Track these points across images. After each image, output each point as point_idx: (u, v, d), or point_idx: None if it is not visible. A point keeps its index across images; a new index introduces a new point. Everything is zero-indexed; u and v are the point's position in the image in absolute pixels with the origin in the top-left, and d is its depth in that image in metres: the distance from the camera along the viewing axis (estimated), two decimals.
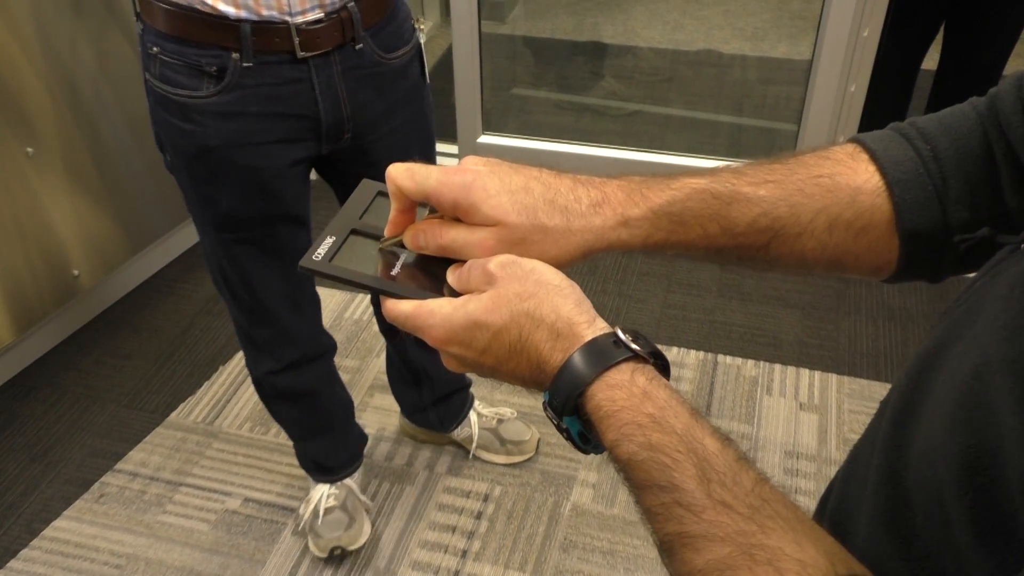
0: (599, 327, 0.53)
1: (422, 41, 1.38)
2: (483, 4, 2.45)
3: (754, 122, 2.88)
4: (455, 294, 0.57)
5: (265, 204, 1.31)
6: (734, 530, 0.44)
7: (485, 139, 2.57)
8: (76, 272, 2.19)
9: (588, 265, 2.48)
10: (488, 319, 0.54)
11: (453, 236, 0.58)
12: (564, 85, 3.13)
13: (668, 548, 0.47)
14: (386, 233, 0.63)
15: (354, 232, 0.65)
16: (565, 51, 3.26)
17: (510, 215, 0.57)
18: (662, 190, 0.59)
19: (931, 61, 2.51)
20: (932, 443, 0.40)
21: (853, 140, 0.60)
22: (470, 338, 0.55)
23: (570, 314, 0.53)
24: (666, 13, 3.34)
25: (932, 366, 0.44)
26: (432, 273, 0.61)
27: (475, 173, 0.57)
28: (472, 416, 1.89)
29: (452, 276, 0.58)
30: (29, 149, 2.00)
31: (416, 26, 1.37)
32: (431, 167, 0.59)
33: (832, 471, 1.85)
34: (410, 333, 0.58)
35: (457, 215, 0.58)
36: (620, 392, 0.50)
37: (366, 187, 0.71)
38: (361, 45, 1.25)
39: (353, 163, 1.36)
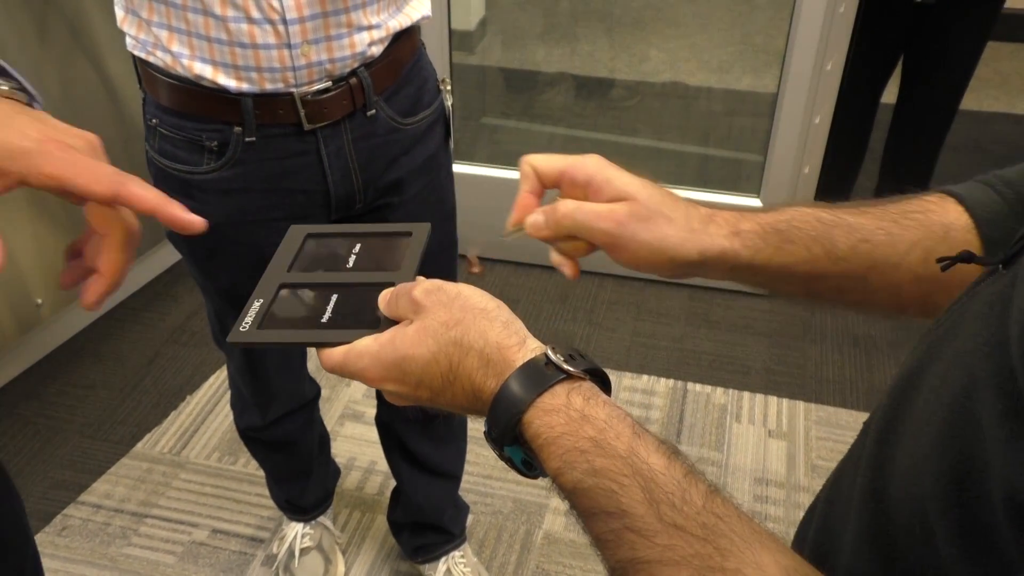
0: (530, 348, 0.52)
1: (448, 104, 1.27)
2: (452, 35, 2.49)
3: (721, 152, 2.93)
4: (390, 323, 0.57)
5: None
6: (689, 553, 0.43)
7: (456, 168, 2.58)
8: (39, 301, 2.17)
9: (559, 294, 2.51)
10: (415, 352, 0.53)
11: (585, 209, 0.59)
12: (533, 115, 3.17)
13: (622, 575, 0.46)
14: (511, 220, 0.64)
15: (283, 286, 0.65)
16: (534, 81, 3.31)
17: (641, 193, 0.59)
18: (767, 212, 0.61)
19: (890, 94, 2.59)
20: (916, 460, 0.41)
21: (938, 191, 0.62)
22: (401, 373, 0.54)
23: (498, 338, 0.52)
24: (633, 45, 3.40)
25: (913, 385, 0.45)
26: (364, 308, 0.60)
27: (601, 158, 0.60)
28: (442, 566, 1.69)
29: (382, 302, 0.58)
30: None
31: (441, 88, 1.26)
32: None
33: (801, 497, 1.88)
34: (349, 379, 0.59)
35: (588, 192, 0.60)
36: (558, 417, 0.49)
37: (294, 233, 0.71)
38: (374, 111, 1.14)
39: None
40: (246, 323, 0.62)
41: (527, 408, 0.50)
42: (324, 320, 0.61)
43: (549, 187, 0.64)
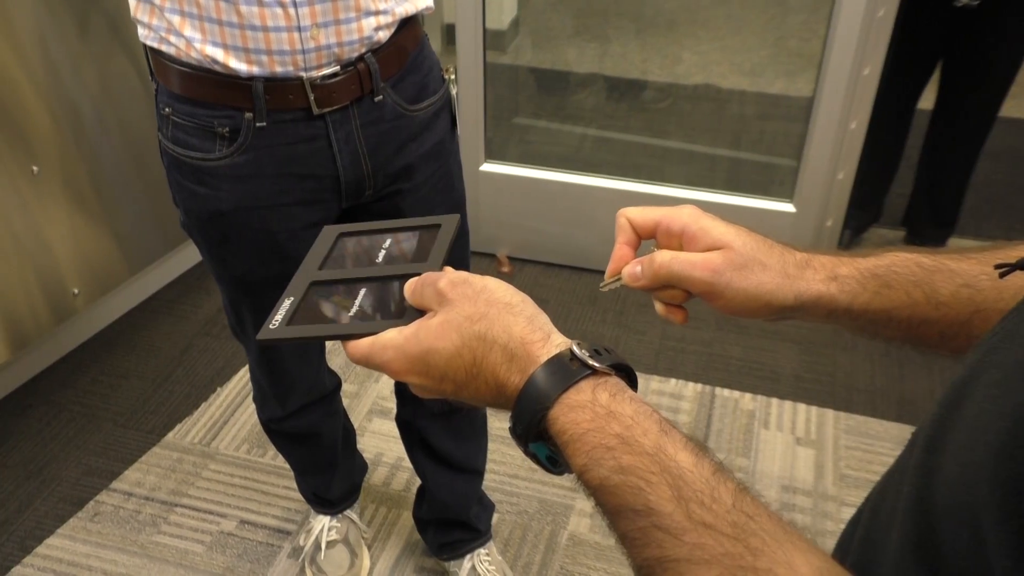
0: (555, 344, 0.52)
1: (453, 92, 1.31)
2: (486, 34, 2.50)
3: (752, 156, 2.92)
4: (416, 313, 0.58)
5: (281, 267, 1.22)
6: (719, 552, 0.43)
7: (487, 167, 2.61)
8: (75, 291, 2.20)
9: (588, 295, 2.51)
10: (440, 345, 0.53)
11: (681, 259, 0.61)
12: (564, 115, 3.17)
13: (648, 574, 0.45)
14: (608, 271, 0.65)
15: (314, 284, 0.66)
16: (565, 82, 3.31)
17: (736, 241, 0.60)
18: (866, 256, 0.61)
19: (927, 101, 2.56)
20: (968, 469, 0.40)
21: None
22: (425, 366, 0.54)
23: (522, 333, 0.52)
24: (665, 47, 3.39)
25: (965, 394, 0.44)
26: (391, 300, 0.62)
27: (696, 208, 0.62)
28: (467, 563, 1.71)
29: (408, 291, 0.59)
30: (35, 168, 2.02)
31: (445, 76, 1.30)
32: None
33: (828, 506, 1.87)
34: (375, 371, 0.60)
35: (683, 242, 0.61)
36: (583, 413, 0.49)
37: (327, 234, 0.72)
38: (381, 97, 1.17)
39: (374, 220, 1.32)
40: (276, 321, 0.63)
41: (552, 404, 0.50)
42: (352, 313, 0.62)
43: (645, 238, 0.65)
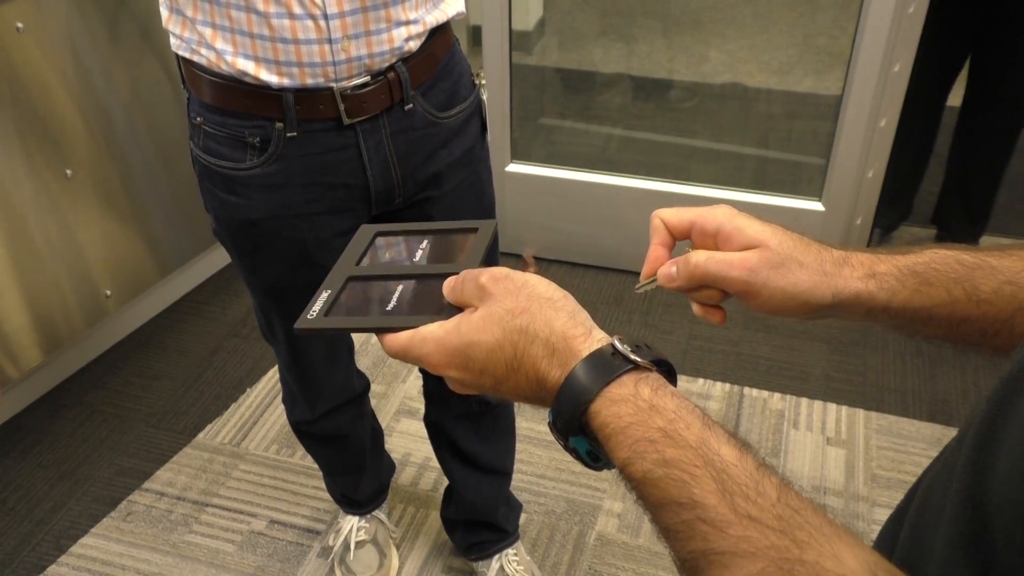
0: (596, 339, 0.52)
1: (483, 97, 1.31)
2: (512, 35, 2.50)
3: (781, 155, 2.90)
4: (454, 310, 0.58)
5: (310, 274, 1.21)
6: (765, 544, 0.43)
7: (513, 167, 2.62)
8: (107, 293, 2.24)
9: (614, 295, 2.51)
10: (481, 338, 0.54)
11: (717, 259, 0.61)
12: (590, 115, 3.17)
13: (692, 567, 0.45)
14: (644, 273, 0.66)
15: (351, 279, 0.67)
16: (591, 82, 3.31)
17: (772, 240, 0.60)
18: (905, 253, 0.61)
19: (956, 96, 2.53)
20: (1022, 465, 0.40)
21: None
22: (466, 359, 0.55)
23: (564, 328, 0.52)
24: (692, 46, 3.38)
25: (1017, 391, 0.44)
26: (429, 297, 0.62)
27: (730, 207, 0.62)
28: (495, 563, 1.71)
29: (447, 287, 0.59)
30: (67, 171, 2.06)
31: (476, 81, 1.30)
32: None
33: (860, 507, 1.86)
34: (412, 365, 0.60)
35: (718, 241, 0.61)
36: (626, 407, 0.49)
37: (364, 232, 0.73)
38: (411, 106, 1.17)
39: None
40: (313, 311, 0.63)
41: (594, 398, 0.50)
42: (389, 308, 0.63)
43: (679, 239, 0.66)
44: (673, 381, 0.53)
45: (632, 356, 0.51)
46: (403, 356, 0.58)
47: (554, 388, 0.52)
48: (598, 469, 0.53)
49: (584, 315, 0.55)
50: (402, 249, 0.71)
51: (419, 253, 0.69)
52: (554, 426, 0.52)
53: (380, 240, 0.73)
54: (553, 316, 0.53)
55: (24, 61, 1.93)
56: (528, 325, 0.53)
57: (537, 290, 0.55)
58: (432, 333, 0.56)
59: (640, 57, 3.35)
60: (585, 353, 0.51)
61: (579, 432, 0.51)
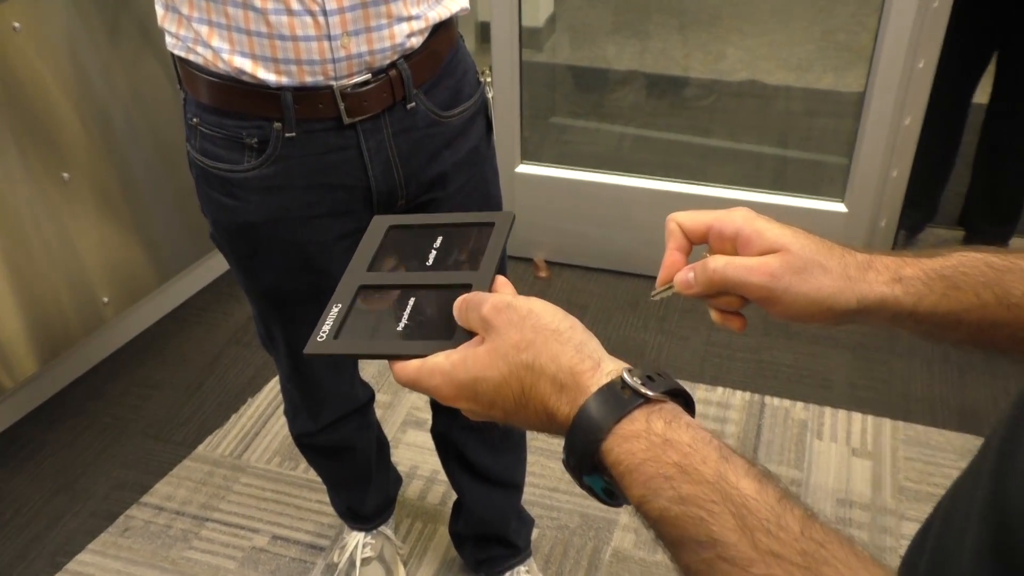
0: (605, 372, 0.52)
1: (489, 95, 1.29)
2: (522, 32, 2.48)
3: (801, 154, 2.87)
4: (464, 334, 0.58)
5: (311, 279, 1.24)
6: None
7: (523, 168, 2.59)
8: (105, 300, 2.22)
9: (629, 300, 2.48)
10: (487, 374, 0.54)
11: (736, 264, 0.60)
12: (603, 114, 3.14)
13: None
14: (659, 279, 0.65)
15: (363, 288, 0.66)
16: (604, 79, 3.28)
17: (793, 244, 0.59)
18: (931, 256, 0.60)
19: (983, 94, 2.49)
20: None
21: None
22: (474, 394, 0.55)
23: (571, 362, 0.52)
24: (709, 43, 3.35)
25: None
26: (440, 314, 0.62)
27: (749, 210, 0.61)
28: None
29: (456, 310, 0.59)
30: (65, 174, 2.04)
31: (481, 79, 1.28)
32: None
33: (887, 521, 1.82)
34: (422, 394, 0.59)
35: (737, 246, 0.61)
36: (638, 443, 0.48)
37: (377, 225, 0.72)
38: (413, 104, 1.16)
39: None
40: (323, 333, 0.63)
41: (605, 436, 0.49)
42: (400, 328, 0.62)
43: (696, 243, 0.65)
44: (691, 410, 0.52)
45: (643, 389, 0.50)
46: (413, 387, 0.58)
47: (564, 425, 0.52)
48: (616, 505, 0.53)
49: (593, 344, 0.54)
50: (416, 248, 0.70)
51: (432, 253, 0.69)
52: (567, 464, 0.52)
53: (393, 235, 0.72)
54: (559, 350, 0.53)
55: (21, 62, 1.91)
56: (534, 360, 0.53)
57: (542, 320, 0.54)
58: (439, 366, 0.57)
59: (655, 54, 3.32)
60: (594, 388, 0.51)
61: (593, 470, 0.51)
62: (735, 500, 0.45)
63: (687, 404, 0.52)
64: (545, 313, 0.55)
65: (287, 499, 1.94)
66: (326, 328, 0.63)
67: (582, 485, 0.52)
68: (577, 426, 0.50)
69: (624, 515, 1.86)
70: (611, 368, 0.52)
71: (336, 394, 1.48)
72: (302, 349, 0.63)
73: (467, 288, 0.62)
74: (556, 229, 2.65)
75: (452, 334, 0.59)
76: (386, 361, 0.62)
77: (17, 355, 2.04)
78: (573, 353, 0.53)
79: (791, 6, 3.39)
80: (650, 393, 0.50)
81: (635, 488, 0.48)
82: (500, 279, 0.65)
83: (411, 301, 0.64)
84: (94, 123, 2.10)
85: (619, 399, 0.50)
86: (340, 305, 0.65)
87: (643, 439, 0.48)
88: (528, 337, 0.53)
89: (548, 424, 0.53)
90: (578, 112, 3.16)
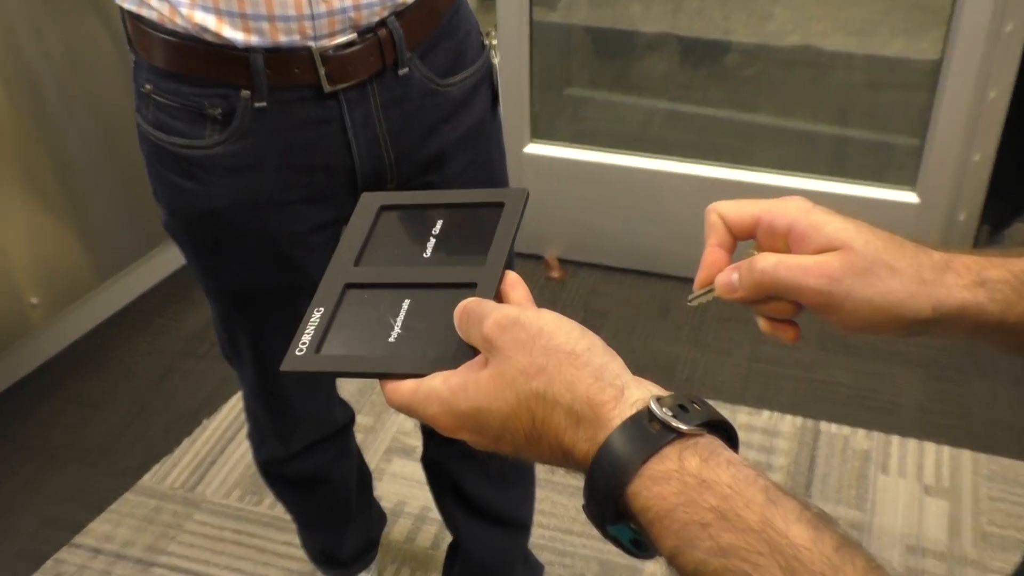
0: (630, 402, 0.52)
1: (495, 60, 1.30)
2: None
3: (863, 134, 2.88)
4: (468, 352, 0.59)
5: (283, 277, 1.25)
6: None
7: (533, 148, 2.60)
8: (34, 301, 2.22)
9: (658, 306, 2.49)
10: (493, 404, 0.54)
11: (789, 264, 0.60)
12: (628, 85, 3.16)
13: None
14: (698, 280, 0.65)
15: (349, 287, 0.66)
16: (629, 44, 3.29)
17: (856, 240, 0.59)
18: (1020, 256, 0.60)
19: None
20: None
21: None
22: (478, 425, 0.55)
23: (589, 392, 0.52)
24: (754, 1, 3.36)
25: None
26: (438, 321, 0.62)
27: (804, 200, 0.62)
28: None
29: (456, 321, 0.60)
30: None
31: (486, 42, 1.28)
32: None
33: (968, 573, 1.83)
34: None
35: (790, 242, 0.61)
36: (669, 486, 0.49)
37: (366, 204, 0.72)
38: (406, 70, 1.15)
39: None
40: (303, 345, 0.63)
41: (631, 479, 0.49)
42: (392, 339, 0.62)
43: (741, 239, 0.66)
44: (733, 443, 0.52)
45: (674, 423, 0.50)
46: (407, 413, 0.59)
47: (583, 463, 0.52)
48: (647, 558, 0.53)
49: (615, 367, 0.54)
50: (411, 234, 0.70)
51: (431, 242, 0.69)
52: (588, 510, 0.52)
53: (385, 217, 0.72)
54: (575, 377, 0.53)
55: None
56: (546, 389, 0.53)
57: (555, 340, 0.54)
58: (436, 391, 0.57)
59: (689, 14, 3.32)
60: (616, 422, 0.51)
61: (618, 519, 0.51)
62: (784, 551, 0.45)
63: (728, 436, 0.52)
64: (558, 332, 0.55)
65: (249, 540, 1.94)
66: (306, 339, 0.63)
67: (606, 536, 0.53)
68: (598, 467, 0.51)
69: (649, 563, 1.85)
70: (637, 397, 0.52)
71: (309, 414, 1.49)
72: (271, 361, 0.62)
73: (471, 287, 0.62)
74: (571, 221, 2.65)
75: (452, 348, 0.59)
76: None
77: None
78: (592, 380, 0.53)
79: None
80: (683, 427, 0.50)
81: (667, 538, 0.48)
82: (511, 276, 0.65)
83: (405, 303, 0.64)
84: (22, 92, 2.11)
85: (646, 435, 0.50)
86: (323, 309, 0.65)
87: (675, 481, 0.48)
88: (539, 361, 0.54)
89: (564, 461, 0.54)
90: (598, 82, 3.17)
